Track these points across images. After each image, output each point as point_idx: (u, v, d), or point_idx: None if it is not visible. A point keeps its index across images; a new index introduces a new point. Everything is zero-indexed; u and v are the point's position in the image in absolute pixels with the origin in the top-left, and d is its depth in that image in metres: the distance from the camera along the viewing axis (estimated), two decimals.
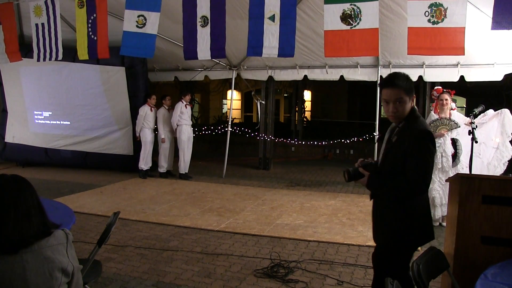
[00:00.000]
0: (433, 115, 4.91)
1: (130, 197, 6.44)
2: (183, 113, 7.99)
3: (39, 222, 1.58)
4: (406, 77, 2.21)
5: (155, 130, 8.26)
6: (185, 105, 8.08)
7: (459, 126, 4.77)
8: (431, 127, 4.77)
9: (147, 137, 8.05)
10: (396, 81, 2.19)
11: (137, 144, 8.45)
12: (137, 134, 8.07)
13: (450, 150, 4.86)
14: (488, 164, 4.95)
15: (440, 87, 5.01)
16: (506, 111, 5.09)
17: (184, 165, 8.09)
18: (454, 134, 4.87)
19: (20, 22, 8.29)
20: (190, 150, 8.22)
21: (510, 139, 4.99)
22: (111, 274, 3.52)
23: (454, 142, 4.90)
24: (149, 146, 8.11)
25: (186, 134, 8.04)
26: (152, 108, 8.16)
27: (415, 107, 2.25)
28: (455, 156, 4.87)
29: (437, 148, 4.88)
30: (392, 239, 2.37)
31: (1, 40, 7.08)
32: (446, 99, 4.84)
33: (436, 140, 4.84)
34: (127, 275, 3.50)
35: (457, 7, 4.61)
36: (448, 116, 4.83)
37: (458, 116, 4.90)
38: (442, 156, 4.82)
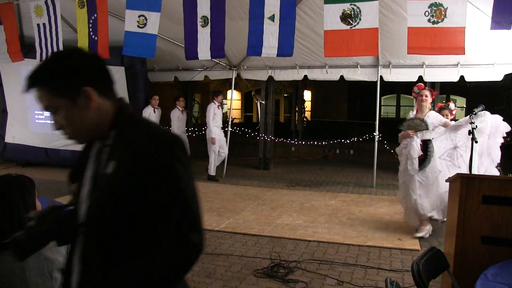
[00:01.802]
0: (410, 114, 4.68)
1: None
2: (216, 115, 7.79)
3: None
4: (54, 69, 1.15)
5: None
6: (218, 106, 7.88)
7: (428, 128, 4.47)
8: (403, 126, 4.63)
9: None
10: (33, 79, 1.15)
11: None
12: None
13: (416, 152, 4.50)
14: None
15: (422, 84, 4.75)
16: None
17: (213, 167, 7.91)
18: (428, 135, 4.52)
19: (20, 22, 8.30)
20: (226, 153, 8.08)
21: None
22: None
23: (425, 144, 4.54)
24: None
25: (218, 137, 7.85)
26: (155, 109, 8.16)
27: (125, 104, 1.29)
28: (424, 159, 4.49)
29: (402, 150, 4.71)
30: None
31: (3, 41, 7.09)
32: (426, 95, 4.54)
33: (403, 141, 4.68)
34: None
35: (457, 7, 4.61)
36: (424, 115, 4.53)
37: (435, 117, 4.55)
38: (407, 158, 4.55)
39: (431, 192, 4.46)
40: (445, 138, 4.58)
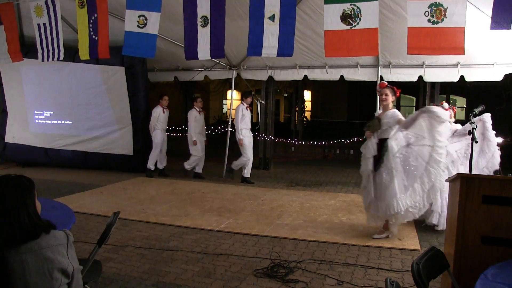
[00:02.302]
0: (377, 113, 4.66)
1: (130, 197, 6.44)
2: (245, 116, 7.64)
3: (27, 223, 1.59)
4: None
5: (167, 131, 8.30)
6: (246, 107, 7.74)
7: (380, 128, 4.40)
8: (365, 127, 4.61)
9: (158, 138, 8.07)
10: None
11: (137, 144, 8.47)
12: (151, 135, 8.12)
13: (371, 152, 4.44)
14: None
15: (385, 82, 4.67)
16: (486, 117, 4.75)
17: (248, 170, 7.82)
18: (388, 133, 4.37)
19: (20, 22, 8.30)
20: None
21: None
22: (111, 274, 3.52)
23: (381, 143, 4.39)
24: (160, 147, 8.12)
25: (248, 138, 7.69)
26: (165, 110, 8.14)
27: None
28: (380, 159, 4.36)
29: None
30: None
31: (4, 41, 7.09)
32: (387, 94, 4.45)
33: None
34: (127, 275, 3.50)
35: (457, 7, 4.61)
36: (383, 114, 4.48)
37: (392, 115, 4.39)
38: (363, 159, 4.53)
39: (385, 194, 4.31)
40: (402, 137, 4.38)
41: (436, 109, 4.25)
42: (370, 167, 4.44)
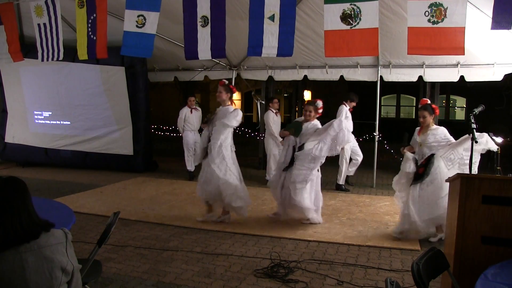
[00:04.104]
0: (300, 119, 5.19)
1: (130, 197, 6.44)
2: (348, 119, 7.05)
3: (25, 223, 1.59)
4: None
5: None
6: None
7: (295, 134, 4.98)
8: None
9: (188, 139, 8.00)
10: None
11: (137, 144, 8.47)
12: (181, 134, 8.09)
13: (282, 156, 5.12)
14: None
15: (312, 100, 5.23)
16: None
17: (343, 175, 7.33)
18: (306, 140, 4.90)
19: (20, 22, 8.30)
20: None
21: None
22: (111, 274, 3.52)
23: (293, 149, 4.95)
24: (189, 148, 8.02)
25: (351, 143, 7.16)
26: (193, 110, 8.04)
27: None
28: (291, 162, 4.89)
29: None
30: None
31: (4, 41, 7.09)
32: (310, 111, 4.97)
33: None
34: (127, 275, 3.50)
35: (457, 7, 4.60)
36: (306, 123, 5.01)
37: (313, 126, 4.96)
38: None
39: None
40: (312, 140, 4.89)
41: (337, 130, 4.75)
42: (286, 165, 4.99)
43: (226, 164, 4.85)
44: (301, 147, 4.89)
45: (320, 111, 5.06)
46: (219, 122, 4.85)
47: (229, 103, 5.04)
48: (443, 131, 4.48)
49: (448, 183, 4.08)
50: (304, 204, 4.80)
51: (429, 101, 4.71)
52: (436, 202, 4.28)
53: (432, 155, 4.42)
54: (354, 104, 7.22)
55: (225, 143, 4.86)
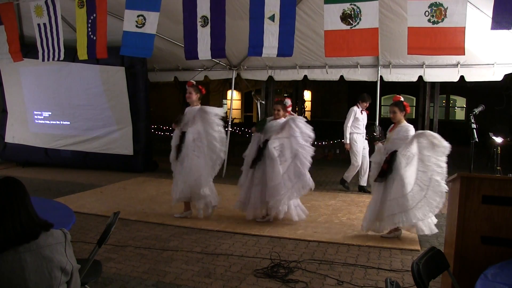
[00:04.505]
0: (269, 119, 5.21)
1: (130, 197, 6.44)
2: (358, 120, 6.99)
3: (25, 223, 1.59)
4: None
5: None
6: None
7: (261, 131, 5.09)
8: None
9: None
10: None
11: (137, 144, 8.47)
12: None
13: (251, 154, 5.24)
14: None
15: (281, 99, 5.21)
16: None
17: (364, 178, 7.14)
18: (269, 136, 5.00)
19: (20, 22, 8.30)
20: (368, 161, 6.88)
21: None
22: (111, 274, 3.52)
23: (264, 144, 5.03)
24: None
25: (360, 144, 7.05)
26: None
27: None
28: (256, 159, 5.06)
29: None
30: None
31: (4, 41, 7.09)
32: (278, 110, 5.01)
33: None
34: (127, 275, 3.50)
35: (457, 7, 4.60)
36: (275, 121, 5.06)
37: (276, 123, 5.00)
38: None
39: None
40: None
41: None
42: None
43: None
44: (264, 143, 4.99)
45: (289, 109, 5.11)
46: (211, 137, 5.21)
47: (198, 103, 5.20)
48: (407, 128, 4.43)
49: (409, 181, 4.24)
50: (279, 208, 4.89)
51: (402, 98, 4.69)
52: (397, 199, 4.30)
53: (395, 151, 4.41)
54: (366, 104, 7.11)
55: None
